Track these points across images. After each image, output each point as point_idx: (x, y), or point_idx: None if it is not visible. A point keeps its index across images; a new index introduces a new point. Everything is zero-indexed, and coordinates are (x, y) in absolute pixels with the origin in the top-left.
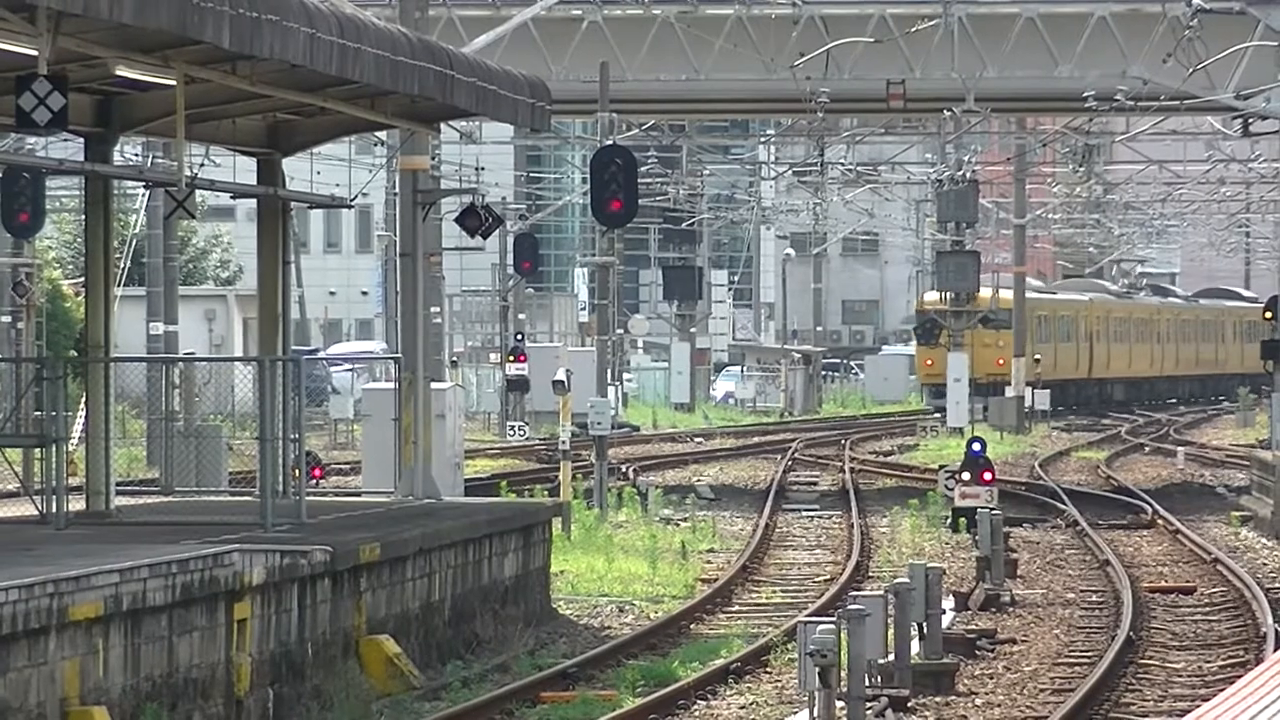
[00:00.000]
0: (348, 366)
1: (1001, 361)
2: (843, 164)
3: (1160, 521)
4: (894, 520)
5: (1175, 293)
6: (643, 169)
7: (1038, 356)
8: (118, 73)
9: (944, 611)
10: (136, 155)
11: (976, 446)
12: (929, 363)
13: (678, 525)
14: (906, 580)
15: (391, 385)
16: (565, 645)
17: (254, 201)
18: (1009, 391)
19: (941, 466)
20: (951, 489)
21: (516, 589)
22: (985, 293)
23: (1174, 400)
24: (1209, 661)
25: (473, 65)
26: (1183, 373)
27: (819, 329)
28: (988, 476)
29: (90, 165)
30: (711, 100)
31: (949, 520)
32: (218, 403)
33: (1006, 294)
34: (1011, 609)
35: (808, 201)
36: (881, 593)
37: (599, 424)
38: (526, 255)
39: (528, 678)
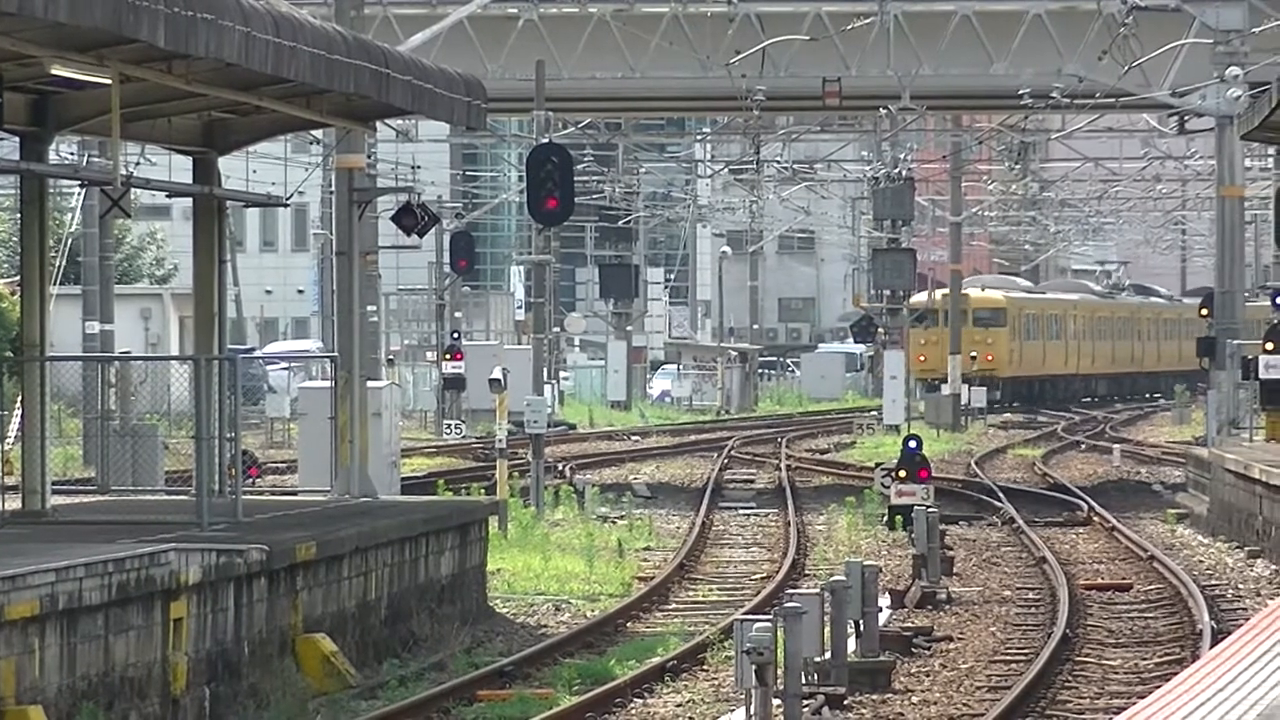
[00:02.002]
0: (284, 365)
1: (991, 357)
2: (779, 162)
3: (1096, 519)
4: (830, 518)
5: (1158, 292)
6: (579, 167)
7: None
8: (53, 72)
9: (880, 609)
10: (72, 154)
11: (913, 444)
12: (921, 359)
13: (614, 523)
14: (843, 578)
15: (328, 384)
16: (502, 644)
17: (189, 200)
18: (945, 389)
19: (878, 464)
20: (888, 486)
21: (453, 587)
22: (974, 292)
23: (1159, 394)
24: (1145, 659)
25: (408, 64)
26: (1165, 368)
27: (755, 327)
28: (924, 474)
29: (25, 164)
30: (647, 98)
31: (885, 518)
32: (154, 402)
33: (993, 293)
34: (948, 606)
35: (744, 199)
36: (818, 591)
37: (535, 422)
38: (463, 253)
39: (464, 676)
